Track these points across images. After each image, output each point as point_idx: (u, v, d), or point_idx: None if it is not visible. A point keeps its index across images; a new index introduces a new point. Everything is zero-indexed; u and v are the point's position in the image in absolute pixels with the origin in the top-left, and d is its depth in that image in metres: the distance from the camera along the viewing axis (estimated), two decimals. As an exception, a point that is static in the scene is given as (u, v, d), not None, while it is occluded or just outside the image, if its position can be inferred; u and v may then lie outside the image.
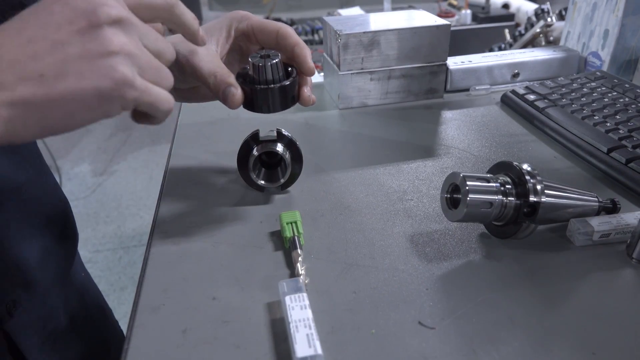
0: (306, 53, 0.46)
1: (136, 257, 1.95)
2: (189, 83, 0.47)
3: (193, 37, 0.41)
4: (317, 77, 0.80)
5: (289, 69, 0.47)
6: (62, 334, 0.51)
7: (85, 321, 0.57)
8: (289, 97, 0.46)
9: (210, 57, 0.45)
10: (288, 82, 0.45)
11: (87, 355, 0.56)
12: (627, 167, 0.52)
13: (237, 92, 0.43)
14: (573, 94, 0.67)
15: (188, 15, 0.39)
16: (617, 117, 0.59)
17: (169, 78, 0.35)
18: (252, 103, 0.45)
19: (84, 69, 0.29)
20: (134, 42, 0.31)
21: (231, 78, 0.44)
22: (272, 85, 0.45)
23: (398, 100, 0.74)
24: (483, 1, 1.31)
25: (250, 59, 0.45)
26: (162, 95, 0.34)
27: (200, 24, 0.50)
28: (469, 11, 1.27)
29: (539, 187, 0.41)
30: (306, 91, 0.47)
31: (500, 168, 0.45)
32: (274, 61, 0.44)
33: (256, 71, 0.45)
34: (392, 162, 0.58)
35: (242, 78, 0.46)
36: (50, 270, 0.51)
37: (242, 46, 0.50)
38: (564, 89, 0.68)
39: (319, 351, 0.33)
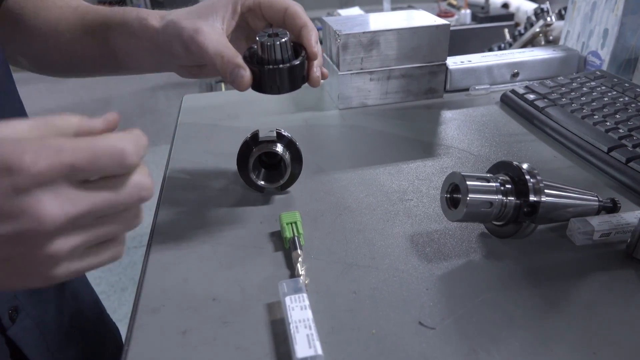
0: (312, 36, 0.45)
1: (136, 258, 1.95)
2: (195, 61, 0.46)
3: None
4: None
5: (298, 48, 0.46)
6: (64, 336, 0.51)
7: (83, 320, 0.57)
8: (299, 77, 0.45)
9: (216, 36, 0.43)
10: (297, 62, 0.44)
11: (87, 354, 0.56)
12: (627, 166, 0.52)
13: (246, 73, 0.42)
14: (573, 93, 0.67)
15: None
16: (617, 116, 0.59)
17: (118, 247, 0.29)
18: (260, 84, 0.44)
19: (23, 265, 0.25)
20: (81, 238, 0.26)
21: (239, 59, 0.42)
22: (281, 66, 0.43)
23: (398, 100, 0.74)
24: (482, 1, 1.31)
25: (257, 38, 0.43)
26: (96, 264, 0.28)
27: None
28: (468, 11, 1.27)
29: (538, 186, 0.41)
30: (315, 71, 0.45)
31: (500, 167, 0.45)
32: (283, 40, 0.43)
33: (264, 51, 0.43)
34: (392, 162, 0.58)
35: (250, 58, 0.45)
36: None
37: (249, 22, 0.48)
38: (563, 89, 0.68)
39: (319, 352, 0.33)
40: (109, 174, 0.26)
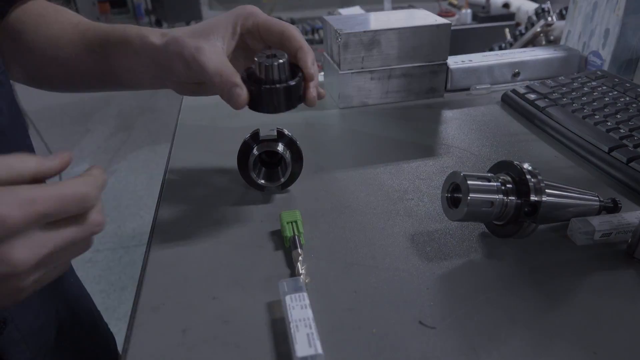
0: (308, 58, 0.46)
1: (136, 257, 1.95)
2: (194, 78, 0.47)
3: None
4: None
5: (295, 68, 0.47)
6: (54, 345, 0.50)
7: (76, 329, 0.55)
8: (295, 97, 0.46)
9: (216, 55, 0.44)
10: (293, 83, 0.45)
11: None
12: (628, 166, 0.52)
13: (243, 92, 0.43)
14: (574, 93, 0.66)
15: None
16: (618, 116, 0.59)
17: (64, 264, 0.33)
18: (256, 103, 0.45)
19: None
20: (44, 270, 0.30)
21: (237, 78, 0.43)
22: (278, 86, 0.44)
23: (398, 100, 0.74)
24: (483, 0, 1.31)
25: (256, 59, 0.44)
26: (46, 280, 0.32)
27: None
28: (469, 10, 1.27)
29: (539, 186, 0.41)
30: (312, 92, 0.46)
31: (501, 167, 0.45)
32: (280, 61, 0.44)
33: (262, 71, 0.44)
34: (393, 161, 0.58)
35: (248, 77, 0.45)
36: None
37: (247, 43, 0.49)
38: (564, 88, 0.68)
39: (320, 351, 0.33)
40: (72, 215, 0.30)
